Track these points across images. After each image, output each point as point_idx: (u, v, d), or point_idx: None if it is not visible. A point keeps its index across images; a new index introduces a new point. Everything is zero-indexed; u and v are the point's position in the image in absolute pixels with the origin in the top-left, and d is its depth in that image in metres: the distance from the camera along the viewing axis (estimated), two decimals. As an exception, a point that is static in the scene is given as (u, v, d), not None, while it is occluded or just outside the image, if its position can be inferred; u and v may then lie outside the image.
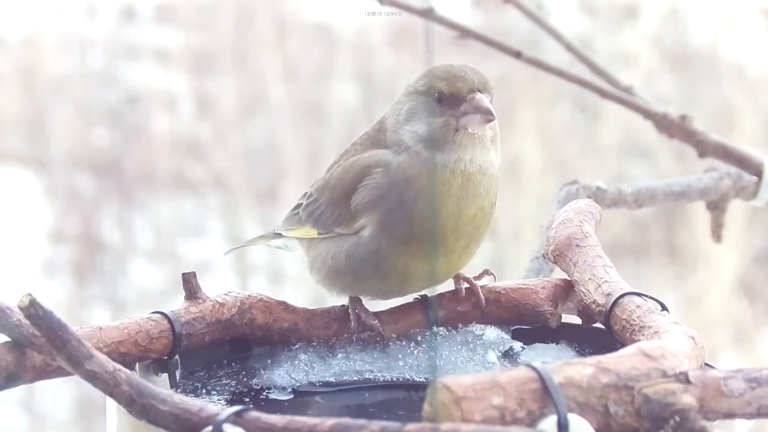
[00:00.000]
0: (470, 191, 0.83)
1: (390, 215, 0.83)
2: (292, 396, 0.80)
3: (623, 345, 0.73)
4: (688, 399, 0.65)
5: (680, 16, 3.09)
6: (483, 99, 0.83)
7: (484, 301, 0.86)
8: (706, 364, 0.74)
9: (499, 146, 0.85)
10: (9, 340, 0.74)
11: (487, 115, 0.83)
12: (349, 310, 0.85)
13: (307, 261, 0.90)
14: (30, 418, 2.85)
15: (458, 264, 0.86)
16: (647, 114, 1.15)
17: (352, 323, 0.85)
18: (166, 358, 0.81)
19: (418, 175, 0.83)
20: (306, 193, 0.92)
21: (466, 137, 0.83)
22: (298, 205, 0.92)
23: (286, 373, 0.82)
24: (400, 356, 0.83)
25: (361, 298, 0.86)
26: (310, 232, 0.89)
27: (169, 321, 0.81)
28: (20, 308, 0.67)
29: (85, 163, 3.22)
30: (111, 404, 0.73)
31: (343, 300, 0.87)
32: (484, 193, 0.84)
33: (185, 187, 3.18)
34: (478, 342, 0.84)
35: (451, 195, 0.83)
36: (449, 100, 0.83)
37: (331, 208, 0.87)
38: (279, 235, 0.94)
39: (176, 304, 0.83)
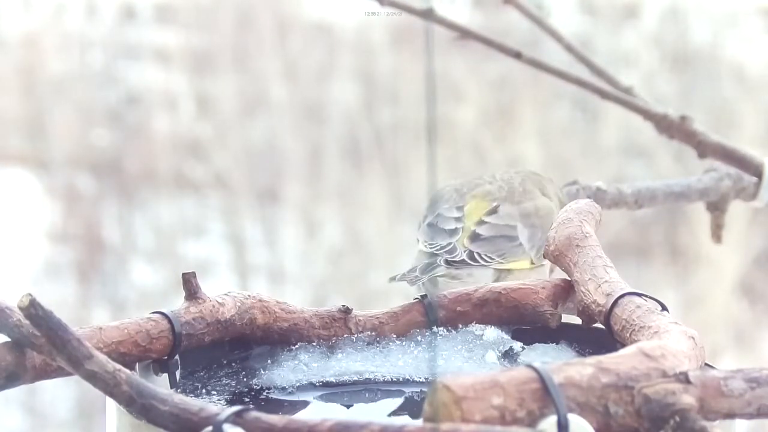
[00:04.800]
0: None
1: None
2: (292, 396, 0.80)
3: (623, 345, 0.73)
4: (688, 399, 0.65)
5: (680, 16, 3.09)
6: None
7: None
8: (706, 364, 0.74)
9: None
10: (9, 340, 0.74)
11: None
12: None
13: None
14: (30, 418, 2.86)
15: None
16: (647, 114, 1.15)
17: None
18: (166, 358, 0.80)
19: None
20: (499, 213, 0.96)
21: None
22: (511, 237, 0.94)
23: (286, 373, 0.82)
24: (400, 356, 0.83)
25: None
26: (525, 263, 0.94)
27: (169, 321, 0.80)
28: (20, 308, 0.67)
29: (85, 163, 3.23)
30: (111, 404, 0.73)
31: None
32: None
33: (185, 187, 3.18)
34: (478, 342, 0.84)
35: None
36: None
37: (543, 240, 0.90)
38: (454, 263, 0.94)
39: (176, 304, 0.83)
